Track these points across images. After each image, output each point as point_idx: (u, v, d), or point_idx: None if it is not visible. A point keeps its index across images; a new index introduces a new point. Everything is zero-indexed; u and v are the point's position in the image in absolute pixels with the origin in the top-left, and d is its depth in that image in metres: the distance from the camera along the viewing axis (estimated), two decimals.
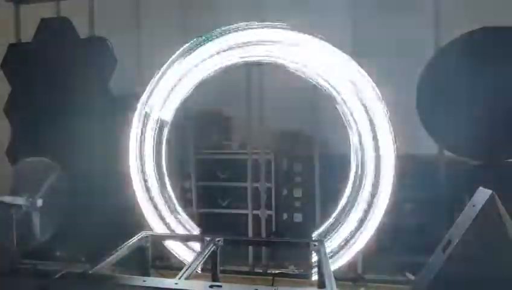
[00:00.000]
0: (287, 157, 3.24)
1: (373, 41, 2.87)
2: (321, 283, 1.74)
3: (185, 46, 2.69)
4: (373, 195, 2.49)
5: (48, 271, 2.69)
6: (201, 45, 2.66)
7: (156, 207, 2.75)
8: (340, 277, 2.56)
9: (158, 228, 2.72)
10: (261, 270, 3.00)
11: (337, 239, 2.52)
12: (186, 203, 3.12)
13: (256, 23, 2.62)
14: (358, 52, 2.72)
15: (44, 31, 3.24)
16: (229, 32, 2.63)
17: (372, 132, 2.48)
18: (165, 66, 2.71)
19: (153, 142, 2.77)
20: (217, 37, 2.64)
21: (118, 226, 2.71)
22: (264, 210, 3.10)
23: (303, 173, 3.20)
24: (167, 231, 2.72)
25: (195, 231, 2.73)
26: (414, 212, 2.93)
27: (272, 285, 2.62)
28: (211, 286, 1.42)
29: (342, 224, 2.55)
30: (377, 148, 2.48)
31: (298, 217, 3.20)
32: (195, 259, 1.85)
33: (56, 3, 3.34)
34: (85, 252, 3.03)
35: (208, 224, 2.88)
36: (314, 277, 2.13)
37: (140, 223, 2.69)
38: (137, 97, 2.77)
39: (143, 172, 2.77)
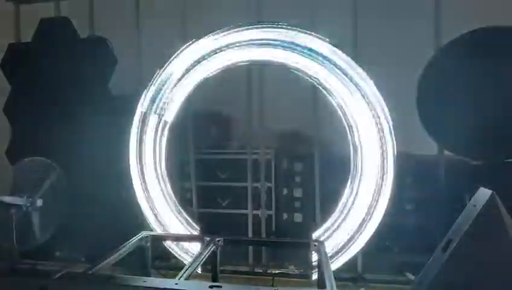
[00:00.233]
0: (287, 157, 3.24)
1: (373, 41, 2.87)
2: (321, 283, 1.74)
3: (185, 46, 2.70)
4: (373, 195, 2.49)
5: (47, 271, 2.70)
6: (201, 45, 2.66)
7: (156, 207, 2.75)
8: (340, 276, 2.56)
9: (158, 228, 2.72)
10: (261, 270, 3.00)
11: (337, 239, 2.53)
12: (186, 203, 3.11)
13: (257, 23, 2.62)
14: (358, 52, 2.72)
15: (44, 31, 3.24)
16: (229, 32, 2.63)
17: (372, 131, 2.48)
18: (165, 65, 2.72)
19: (152, 142, 2.77)
20: (218, 37, 2.64)
21: (117, 226, 2.71)
22: (264, 210, 3.10)
23: (303, 173, 3.19)
24: (167, 231, 2.72)
25: (195, 231, 2.73)
26: (414, 212, 2.93)
27: (272, 285, 2.62)
28: (210, 286, 1.41)
29: (342, 224, 2.55)
30: (377, 148, 2.48)
31: (298, 217, 3.20)
32: (195, 259, 1.85)
33: (56, 3, 3.34)
34: (85, 252, 3.03)
35: (208, 224, 2.88)
36: (314, 277, 2.13)
37: (140, 223, 2.69)
38: (137, 97, 2.77)
39: (143, 172, 2.77)
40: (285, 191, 3.23)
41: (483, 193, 1.56)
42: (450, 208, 2.48)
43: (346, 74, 2.49)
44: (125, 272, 1.99)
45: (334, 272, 1.73)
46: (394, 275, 2.77)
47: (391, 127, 2.45)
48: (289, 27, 2.55)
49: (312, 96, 2.89)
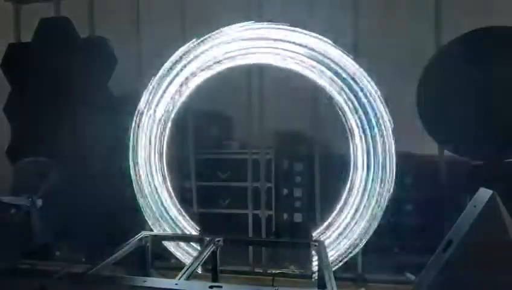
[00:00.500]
0: (287, 157, 3.24)
1: (373, 41, 2.87)
2: (321, 283, 1.74)
3: (185, 46, 2.69)
4: (373, 195, 2.49)
5: (47, 271, 2.70)
6: (201, 45, 2.66)
7: (156, 207, 2.75)
8: (340, 276, 2.56)
9: (158, 228, 2.72)
10: (261, 270, 3.00)
11: (337, 239, 2.53)
12: (186, 203, 3.11)
13: (257, 23, 2.62)
14: (359, 52, 2.72)
15: (44, 31, 3.24)
16: (230, 32, 2.63)
17: (373, 131, 2.48)
18: (165, 65, 2.72)
19: (153, 142, 2.77)
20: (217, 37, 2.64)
21: (117, 226, 2.71)
22: (264, 210, 3.10)
23: (303, 173, 3.19)
24: (167, 231, 2.72)
25: (195, 231, 2.73)
26: (414, 212, 2.93)
27: (272, 285, 2.62)
28: (210, 287, 1.42)
29: (342, 224, 2.55)
30: (377, 148, 2.48)
31: (298, 217, 3.20)
32: (195, 259, 1.85)
33: (56, 3, 3.34)
34: (85, 252, 3.03)
35: (208, 224, 2.88)
36: (314, 277, 2.13)
37: (140, 223, 2.69)
38: (137, 97, 2.77)
39: (143, 172, 2.77)
40: (285, 191, 3.23)
41: (483, 193, 1.56)
42: (450, 208, 2.48)
43: (346, 74, 2.49)
44: (125, 272, 1.99)
45: (334, 272, 1.73)
46: (394, 275, 2.77)
47: (391, 127, 2.45)
48: (290, 26, 2.55)
49: (312, 96, 2.89)
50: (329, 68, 2.52)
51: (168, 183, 2.81)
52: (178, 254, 2.65)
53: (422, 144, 2.77)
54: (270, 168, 3.21)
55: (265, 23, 2.60)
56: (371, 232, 2.48)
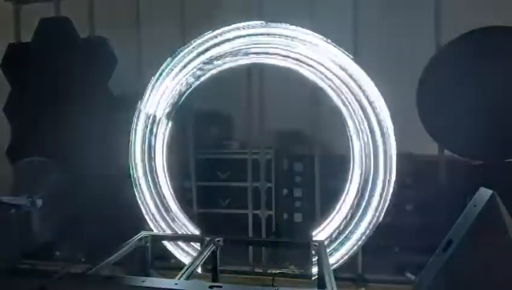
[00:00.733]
0: (287, 157, 3.24)
1: (373, 41, 2.87)
2: (321, 283, 1.74)
3: (185, 46, 2.70)
4: (373, 195, 2.49)
5: (47, 271, 2.70)
6: (201, 44, 2.66)
7: (156, 207, 2.75)
8: (340, 276, 2.56)
9: (158, 228, 2.72)
10: (261, 270, 3.00)
11: (337, 239, 2.53)
12: (186, 203, 3.11)
13: (257, 23, 2.62)
14: (359, 52, 2.72)
15: (44, 31, 3.24)
16: (229, 31, 2.63)
17: (373, 131, 2.48)
18: (164, 65, 2.72)
19: (152, 142, 2.77)
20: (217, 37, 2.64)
21: (117, 226, 2.71)
22: (264, 210, 3.10)
23: (303, 173, 3.19)
24: (167, 231, 2.72)
25: (195, 231, 2.73)
26: (414, 212, 2.93)
27: (272, 285, 2.62)
28: (210, 287, 1.41)
29: (342, 224, 2.55)
30: (377, 148, 2.48)
31: (298, 217, 3.20)
32: (195, 259, 1.85)
33: (56, 3, 3.34)
34: (85, 252, 3.03)
35: (208, 224, 2.88)
36: (314, 277, 2.13)
37: (140, 223, 2.69)
38: (137, 97, 2.77)
39: (143, 172, 2.77)
40: (285, 191, 3.23)
41: (483, 193, 1.56)
42: (450, 208, 2.48)
43: (346, 74, 2.49)
44: (125, 272, 1.99)
45: (334, 272, 1.73)
46: (394, 275, 2.77)
47: (391, 127, 2.45)
48: (290, 26, 2.55)
49: (312, 96, 2.89)
50: (329, 68, 2.52)
51: (168, 183, 2.81)
52: (178, 254, 2.65)
53: (422, 144, 2.77)
54: (270, 168, 3.21)
55: (265, 22, 2.60)
56: (370, 232, 2.48)
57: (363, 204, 2.51)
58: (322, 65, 2.53)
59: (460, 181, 2.64)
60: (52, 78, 3.21)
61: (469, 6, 2.67)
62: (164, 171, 2.80)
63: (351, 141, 2.56)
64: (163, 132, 2.79)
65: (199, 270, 1.95)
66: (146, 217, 2.74)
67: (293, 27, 2.55)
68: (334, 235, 2.54)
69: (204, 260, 1.90)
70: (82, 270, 1.66)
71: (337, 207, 2.60)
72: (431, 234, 2.31)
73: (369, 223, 2.48)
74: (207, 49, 2.65)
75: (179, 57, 2.70)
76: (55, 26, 3.23)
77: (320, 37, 2.52)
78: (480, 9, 2.67)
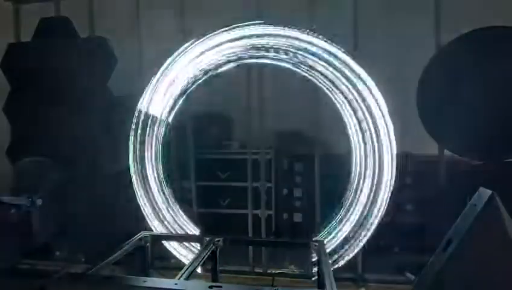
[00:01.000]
0: (287, 157, 3.24)
1: (374, 41, 2.87)
2: (321, 283, 1.74)
3: (185, 46, 2.69)
4: (373, 195, 2.49)
5: (47, 271, 2.70)
6: (201, 44, 2.66)
7: (155, 207, 2.75)
8: (340, 276, 2.56)
9: (158, 228, 2.72)
10: (261, 270, 3.00)
11: (337, 239, 2.53)
12: (186, 203, 3.11)
13: (257, 22, 2.62)
14: (359, 52, 2.72)
15: (44, 31, 3.24)
16: (229, 31, 2.63)
17: (373, 131, 2.48)
18: (164, 65, 2.71)
19: (152, 142, 2.77)
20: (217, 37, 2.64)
21: (117, 226, 2.71)
22: (264, 210, 3.10)
23: (303, 173, 3.20)
24: (167, 231, 2.72)
25: (195, 231, 2.73)
26: (414, 212, 2.93)
27: (272, 285, 2.62)
28: (210, 287, 1.41)
29: (342, 224, 2.55)
30: (377, 148, 2.48)
31: (298, 217, 3.20)
32: (195, 259, 1.85)
33: (56, 3, 3.34)
34: (85, 252, 3.03)
35: (208, 224, 2.88)
36: (314, 277, 2.13)
37: (140, 223, 2.69)
38: (137, 97, 2.77)
39: (143, 172, 2.77)
40: (285, 191, 3.23)
41: (483, 193, 1.56)
42: (450, 208, 2.48)
43: (346, 74, 2.49)
44: (125, 272, 1.99)
45: (334, 272, 1.73)
46: (394, 275, 2.77)
47: (392, 127, 2.44)
48: (290, 26, 2.55)
49: (312, 96, 2.89)
50: (329, 68, 2.52)
51: (168, 183, 2.81)
52: (177, 253, 2.65)
53: (422, 144, 2.77)
54: (270, 168, 3.21)
55: (265, 22, 2.60)
56: (370, 232, 2.48)
57: (364, 204, 2.51)
58: (322, 65, 2.53)
59: (460, 181, 2.64)
60: (52, 78, 3.21)
61: (469, 6, 2.67)
62: (164, 171, 2.80)
63: (351, 140, 2.56)
64: (163, 131, 2.79)
65: (199, 270, 1.94)
66: (146, 217, 2.74)
67: (293, 27, 2.54)
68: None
69: (204, 260, 1.90)
70: (82, 270, 1.66)
71: (337, 208, 2.60)
72: (431, 234, 2.31)
73: (369, 223, 2.48)
74: (207, 49, 2.65)
75: (179, 57, 2.70)
76: (55, 26, 3.23)
77: (320, 36, 2.51)
78: (480, 9, 2.67)
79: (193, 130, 3.19)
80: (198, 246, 2.32)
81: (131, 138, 2.76)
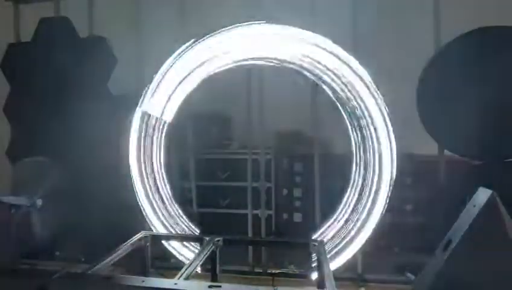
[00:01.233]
0: (287, 157, 3.24)
1: (373, 40, 2.87)
2: (321, 283, 1.74)
3: (185, 46, 2.69)
4: (373, 195, 2.49)
5: (47, 271, 2.70)
6: (201, 44, 2.66)
7: (155, 207, 2.75)
8: (340, 276, 2.56)
9: (158, 228, 2.72)
10: (261, 270, 3.00)
11: (337, 239, 2.53)
12: (186, 203, 3.11)
13: (257, 22, 2.62)
14: (358, 51, 2.72)
15: (44, 31, 3.24)
16: (230, 31, 2.63)
17: (373, 131, 2.48)
18: (164, 65, 2.71)
19: (152, 142, 2.77)
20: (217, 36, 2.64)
21: (117, 226, 2.71)
22: (264, 210, 3.10)
23: (303, 173, 3.19)
24: (167, 231, 2.72)
25: (195, 231, 2.73)
26: (414, 212, 2.93)
27: (272, 285, 2.62)
28: (210, 286, 1.41)
29: (342, 224, 2.56)
30: (377, 148, 2.48)
31: (298, 217, 3.20)
32: (194, 259, 1.85)
33: (56, 3, 3.34)
34: (85, 252, 3.03)
35: (208, 224, 2.88)
36: (314, 277, 2.13)
37: (140, 223, 2.69)
38: (137, 97, 2.77)
39: (143, 172, 2.77)
40: (285, 191, 3.23)
41: (483, 193, 1.56)
42: (450, 208, 2.48)
43: (346, 73, 2.49)
44: (124, 272, 1.99)
45: (334, 272, 1.73)
46: (394, 275, 2.77)
47: (391, 127, 2.45)
48: (290, 25, 2.55)
49: (312, 96, 2.89)
50: (329, 68, 2.52)
51: (168, 183, 2.81)
52: (177, 253, 2.65)
53: (422, 144, 2.76)
54: (270, 168, 3.21)
55: (265, 22, 2.60)
56: (370, 232, 2.48)
57: (363, 204, 2.51)
58: (322, 65, 2.53)
59: (460, 181, 2.64)
60: (52, 78, 3.21)
61: (469, 6, 2.67)
62: (164, 171, 2.80)
63: (351, 140, 2.56)
64: (163, 132, 2.79)
65: (198, 270, 1.94)
66: (145, 217, 2.74)
67: (293, 27, 2.54)
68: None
69: (203, 260, 1.90)
70: (82, 270, 1.66)
71: (337, 207, 2.60)
72: (431, 234, 2.31)
73: (369, 223, 2.48)
74: (207, 49, 2.65)
75: (179, 57, 2.70)
76: (55, 26, 3.23)
77: (320, 36, 2.51)
78: (480, 9, 2.67)
79: (193, 130, 3.19)
80: (198, 246, 2.32)
81: (131, 138, 2.76)
